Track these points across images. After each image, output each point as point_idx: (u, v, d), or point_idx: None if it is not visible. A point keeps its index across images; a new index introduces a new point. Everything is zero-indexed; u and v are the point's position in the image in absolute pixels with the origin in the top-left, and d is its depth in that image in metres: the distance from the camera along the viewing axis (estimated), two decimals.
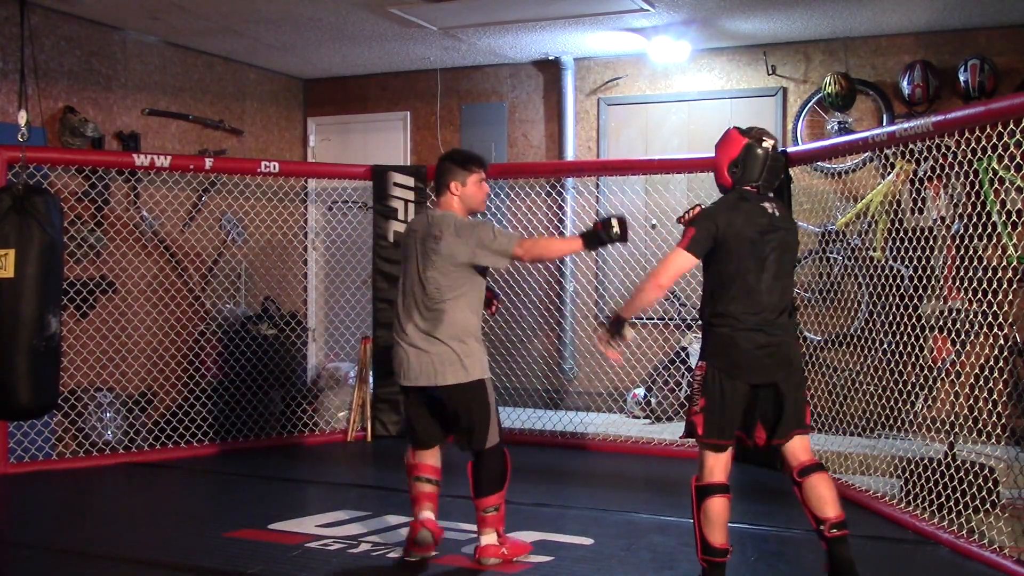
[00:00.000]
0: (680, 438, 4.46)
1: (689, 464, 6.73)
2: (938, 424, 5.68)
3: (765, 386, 4.02)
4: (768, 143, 4.10)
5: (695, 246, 3.97)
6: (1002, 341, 5.97)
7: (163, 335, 7.41)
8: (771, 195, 4.17)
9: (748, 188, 4.09)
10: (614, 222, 4.44)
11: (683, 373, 7.71)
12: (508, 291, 8.08)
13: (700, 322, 4.22)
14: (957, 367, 6.43)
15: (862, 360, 6.88)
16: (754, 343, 3.98)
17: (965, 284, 5.50)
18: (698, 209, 4.10)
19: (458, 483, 6.34)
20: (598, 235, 4.47)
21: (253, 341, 7.49)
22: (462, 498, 5.72)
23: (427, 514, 4.56)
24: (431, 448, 4.64)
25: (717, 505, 4.03)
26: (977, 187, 6.16)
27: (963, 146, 4.82)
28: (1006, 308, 4.93)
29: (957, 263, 5.93)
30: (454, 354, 4.41)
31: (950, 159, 5.46)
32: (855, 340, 6.98)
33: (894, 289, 5.86)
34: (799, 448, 4.16)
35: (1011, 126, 4.47)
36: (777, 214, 4.09)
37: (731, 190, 4.12)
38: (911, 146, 5.73)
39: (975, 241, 5.91)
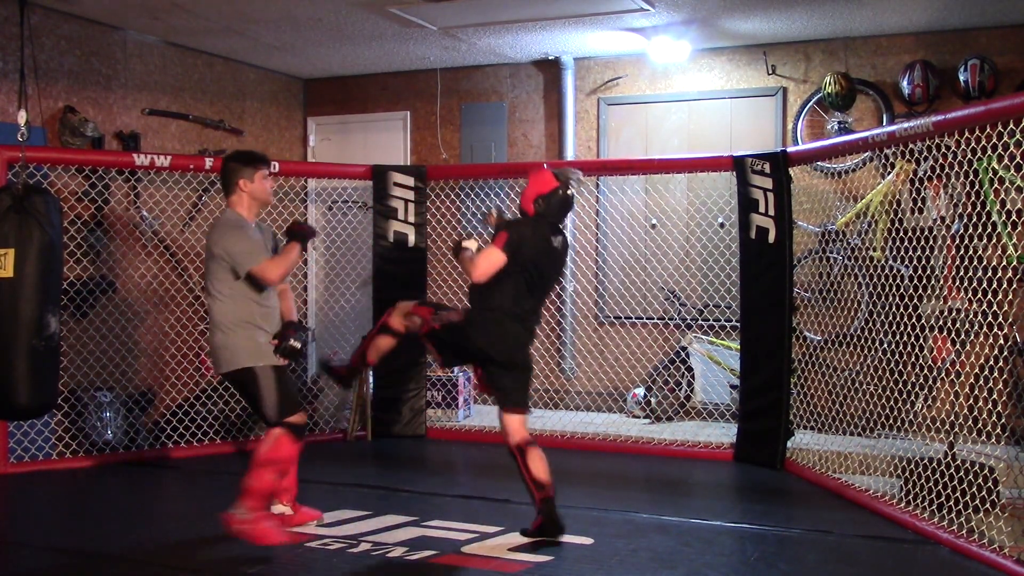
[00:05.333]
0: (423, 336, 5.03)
1: (688, 464, 6.75)
2: (938, 424, 5.67)
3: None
4: (572, 191, 4.93)
5: (507, 248, 4.73)
6: (1002, 341, 5.97)
7: (163, 335, 7.41)
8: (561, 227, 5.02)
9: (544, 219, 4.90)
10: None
11: (683, 373, 7.71)
12: None
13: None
14: (957, 367, 6.43)
15: (862, 360, 6.88)
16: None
17: (965, 284, 5.50)
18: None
19: (457, 483, 6.36)
20: (304, 233, 5.01)
21: None
22: (461, 498, 5.74)
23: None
24: None
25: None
26: (977, 187, 6.15)
27: (963, 146, 4.82)
28: (1006, 308, 4.93)
29: (957, 263, 5.92)
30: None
31: (950, 159, 5.45)
32: (855, 340, 6.98)
33: (894, 289, 5.86)
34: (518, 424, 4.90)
35: (1011, 126, 4.47)
36: (559, 249, 4.97)
37: (531, 217, 4.90)
38: (911, 146, 5.74)
39: (975, 241, 5.91)
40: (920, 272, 5.84)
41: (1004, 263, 5.77)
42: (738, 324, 6.98)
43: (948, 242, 6.31)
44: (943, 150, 5.23)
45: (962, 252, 5.72)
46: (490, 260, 4.72)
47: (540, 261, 4.85)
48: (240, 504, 4.53)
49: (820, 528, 5.11)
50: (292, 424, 4.67)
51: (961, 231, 6.27)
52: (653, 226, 7.90)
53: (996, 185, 6.15)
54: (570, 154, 8.29)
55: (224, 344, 4.68)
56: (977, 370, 6.24)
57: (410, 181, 7.60)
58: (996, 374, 5.96)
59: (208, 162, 6.92)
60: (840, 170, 7.35)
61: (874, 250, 6.86)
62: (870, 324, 6.74)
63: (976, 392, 6.21)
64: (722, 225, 7.64)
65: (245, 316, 4.68)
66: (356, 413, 7.57)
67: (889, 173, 6.84)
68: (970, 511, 4.87)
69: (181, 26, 7.31)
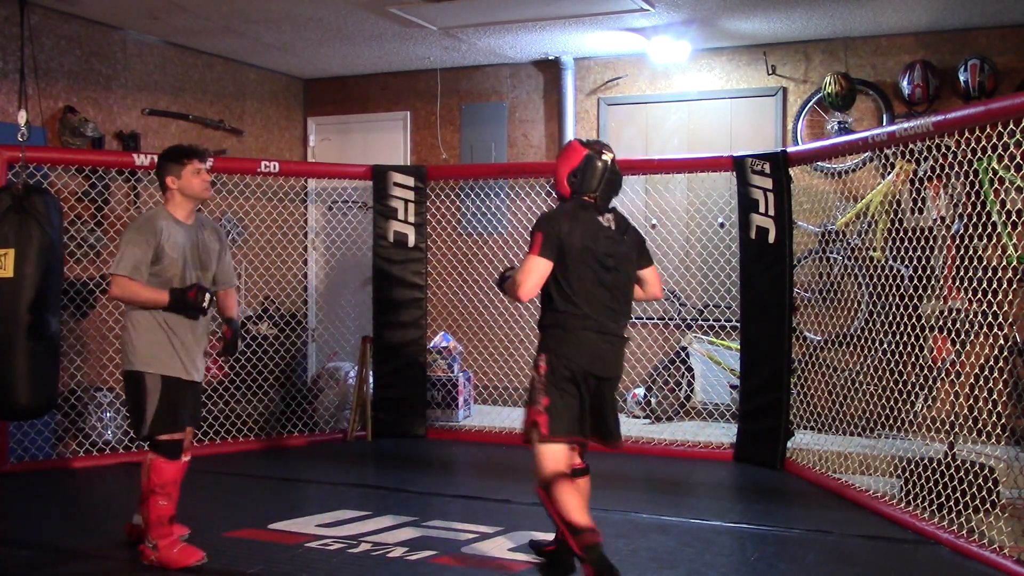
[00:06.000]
0: (523, 442, 4.26)
1: (688, 464, 6.75)
2: (938, 424, 5.68)
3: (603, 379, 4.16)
4: (607, 156, 4.16)
5: (546, 250, 4.01)
6: (1002, 341, 5.97)
7: None
8: (611, 207, 4.23)
9: (585, 199, 4.15)
10: (208, 297, 4.51)
11: (683, 373, 7.71)
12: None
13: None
14: (957, 367, 6.43)
15: (862, 360, 6.88)
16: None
17: (965, 284, 5.50)
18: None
19: (457, 483, 6.36)
20: (185, 300, 4.47)
21: (253, 341, 7.49)
22: (461, 497, 5.74)
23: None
24: None
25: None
26: (977, 187, 6.16)
27: (963, 146, 4.83)
28: (1006, 308, 4.93)
29: (957, 263, 5.93)
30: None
31: (950, 159, 5.46)
32: (855, 340, 6.98)
33: (894, 289, 5.87)
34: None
35: (1011, 126, 4.47)
36: (613, 227, 4.17)
37: (568, 199, 4.18)
38: (911, 146, 5.74)
39: (975, 241, 5.91)
40: (920, 272, 5.85)
41: (1004, 263, 5.78)
42: (738, 324, 6.98)
43: (948, 242, 6.31)
44: (943, 150, 5.24)
45: (962, 252, 5.72)
46: (531, 271, 4.00)
47: (597, 248, 4.07)
48: (148, 538, 4.45)
49: (820, 528, 5.11)
50: (164, 443, 4.45)
51: (961, 231, 6.27)
52: (653, 226, 7.90)
53: (996, 185, 6.15)
54: None
55: (126, 341, 4.52)
56: (977, 370, 6.24)
57: (410, 181, 7.60)
58: (996, 374, 5.96)
59: (208, 162, 6.91)
60: (840, 170, 7.35)
61: (874, 250, 6.86)
62: (870, 324, 6.74)
63: (976, 392, 6.21)
64: (722, 225, 7.64)
65: (156, 317, 4.47)
66: (356, 413, 7.57)
67: (889, 173, 6.84)
68: (970, 511, 4.87)
69: (181, 26, 7.31)
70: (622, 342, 4.20)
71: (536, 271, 4.01)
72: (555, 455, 4.04)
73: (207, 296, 4.51)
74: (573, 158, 4.16)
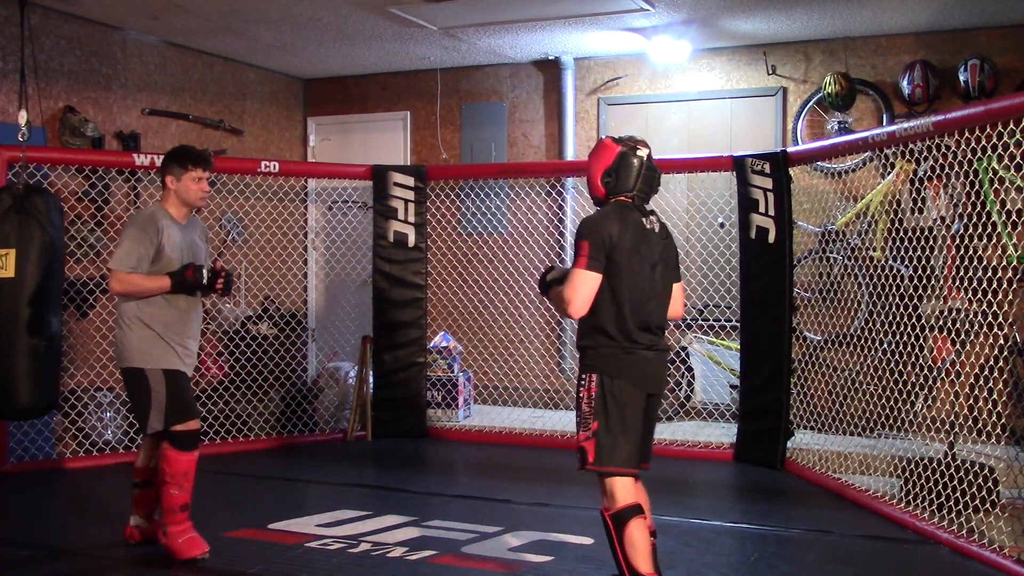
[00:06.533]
0: (579, 468, 3.84)
1: (688, 464, 6.75)
2: (938, 424, 5.68)
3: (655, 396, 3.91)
4: (643, 152, 3.87)
5: (595, 261, 3.69)
6: (1002, 341, 5.97)
7: None
8: (649, 208, 3.93)
9: (623, 199, 3.86)
10: (204, 272, 4.57)
11: (683, 373, 7.71)
12: (508, 291, 8.09)
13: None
14: (957, 367, 6.43)
15: (862, 360, 6.88)
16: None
17: (965, 284, 5.50)
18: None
19: (457, 483, 6.36)
20: (186, 281, 4.53)
21: (253, 341, 7.49)
22: (461, 497, 5.74)
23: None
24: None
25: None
26: (977, 187, 6.16)
27: (963, 146, 4.83)
28: (1006, 308, 4.93)
29: (957, 263, 5.93)
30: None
31: (950, 159, 5.46)
32: (855, 340, 6.98)
33: (894, 289, 5.87)
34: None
35: (1011, 126, 4.47)
36: (657, 230, 3.88)
37: (605, 201, 3.90)
38: (911, 146, 5.74)
39: (975, 241, 5.91)
40: (920, 272, 5.85)
41: (1004, 263, 5.78)
42: (738, 324, 6.98)
43: (948, 242, 6.31)
44: (943, 150, 5.24)
45: (962, 252, 5.72)
46: (580, 287, 3.67)
47: (647, 254, 3.79)
48: (163, 522, 4.54)
49: (820, 528, 5.11)
50: (179, 433, 4.48)
51: (961, 231, 6.27)
52: None
53: (996, 185, 6.16)
54: (570, 154, 8.29)
55: (119, 339, 4.55)
56: (977, 370, 6.24)
57: (410, 181, 7.60)
58: (996, 374, 5.96)
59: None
60: (840, 170, 7.35)
61: (874, 250, 6.86)
62: (870, 324, 6.74)
63: (976, 392, 6.21)
64: (722, 225, 7.64)
65: (147, 314, 4.51)
66: (356, 413, 7.58)
67: (889, 173, 6.84)
68: (970, 511, 4.87)
69: (181, 26, 7.31)
70: (667, 354, 3.95)
71: (585, 286, 3.68)
72: (624, 485, 3.73)
73: (204, 273, 4.57)
74: (606, 156, 3.86)
